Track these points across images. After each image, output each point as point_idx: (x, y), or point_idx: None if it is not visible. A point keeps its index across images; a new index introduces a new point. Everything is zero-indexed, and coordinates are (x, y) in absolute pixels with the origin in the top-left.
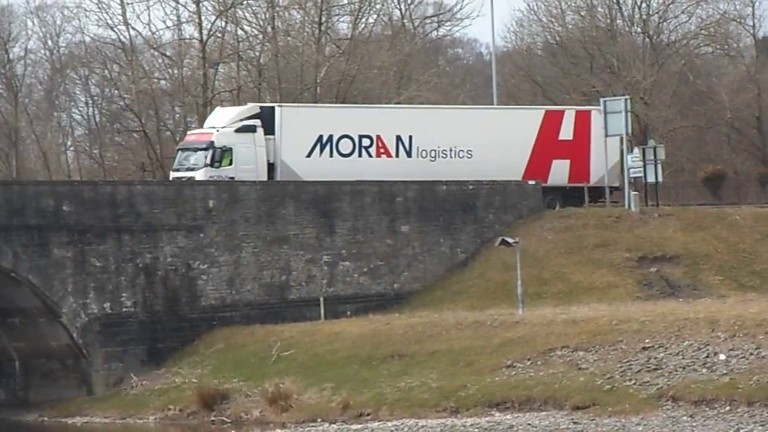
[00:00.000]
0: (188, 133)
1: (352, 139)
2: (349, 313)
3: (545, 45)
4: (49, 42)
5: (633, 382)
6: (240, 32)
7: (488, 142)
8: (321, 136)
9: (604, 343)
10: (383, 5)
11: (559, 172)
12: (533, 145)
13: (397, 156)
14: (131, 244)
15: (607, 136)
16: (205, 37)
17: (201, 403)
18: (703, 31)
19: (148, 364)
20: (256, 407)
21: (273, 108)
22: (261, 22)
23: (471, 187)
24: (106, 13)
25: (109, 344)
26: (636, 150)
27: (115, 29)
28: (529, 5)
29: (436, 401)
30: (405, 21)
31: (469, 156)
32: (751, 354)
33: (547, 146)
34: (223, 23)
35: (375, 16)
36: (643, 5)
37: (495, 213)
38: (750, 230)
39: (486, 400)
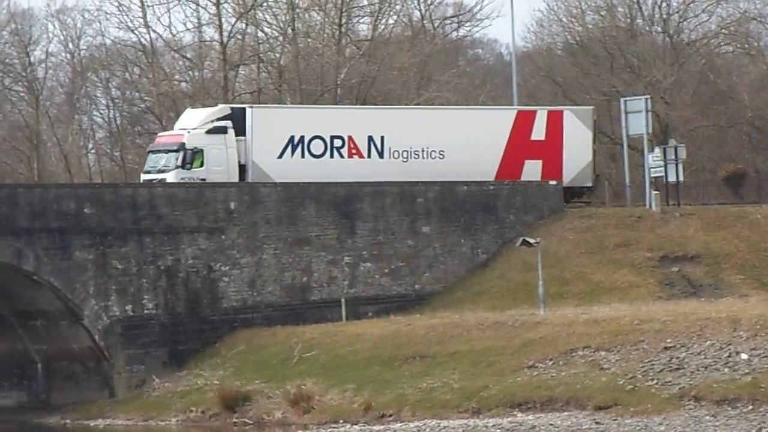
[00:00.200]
0: (159, 135)
1: (323, 139)
2: (370, 314)
3: (565, 45)
4: (70, 45)
5: (655, 381)
6: (260, 34)
7: (461, 142)
8: (292, 137)
9: (626, 343)
10: (403, 6)
11: (532, 172)
12: (506, 146)
13: (369, 157)
14: (152, 246)
15: (627, 135)
16: (225, 39)
17: (223, 405)
18: (723, 30)
19: (170, 366)
20: (277, 409)
21: (244, 109)
22: (281, 24)
23: (492, 187)
24: (127, 15)
25: (131, 346)
26: (657, 149)
27: (136, 32)
28: (549, 5)
29: (458, 402)
30: (425, 22)
31: (442, 156)
32: None
33: (519, 147)
34: (244, 25)
35: (395, 17)
36: (664, 4)
37: (516, 213)
38: None
39: (508, 401)
